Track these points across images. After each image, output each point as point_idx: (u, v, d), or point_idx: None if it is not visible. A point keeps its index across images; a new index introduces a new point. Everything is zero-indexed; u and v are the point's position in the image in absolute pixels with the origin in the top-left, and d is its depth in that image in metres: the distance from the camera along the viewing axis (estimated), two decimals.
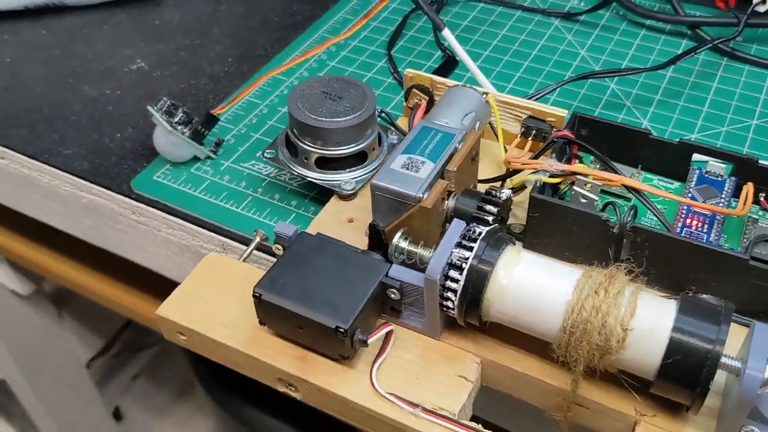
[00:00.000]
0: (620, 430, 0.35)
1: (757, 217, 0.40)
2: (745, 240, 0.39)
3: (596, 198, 0.39)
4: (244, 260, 0.42)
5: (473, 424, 0.34)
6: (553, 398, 0.36)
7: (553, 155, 0.41)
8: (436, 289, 0.34)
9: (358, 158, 0.45)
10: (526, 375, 0.36)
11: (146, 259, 0.54)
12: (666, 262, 0.37)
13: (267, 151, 0.46)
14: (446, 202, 0.38)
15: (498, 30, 0.63)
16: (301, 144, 0.44)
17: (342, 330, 0.34)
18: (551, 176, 0.40)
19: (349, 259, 0.37)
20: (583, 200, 0.39)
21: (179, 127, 0.48)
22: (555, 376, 0.35)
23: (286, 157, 0.46)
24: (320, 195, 0.48)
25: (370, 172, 0.45)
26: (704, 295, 0.37)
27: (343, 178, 0.45)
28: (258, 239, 0.43)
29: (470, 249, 0.34)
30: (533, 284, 0.34)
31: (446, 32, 0.50)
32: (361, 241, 0.41)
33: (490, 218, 0.37)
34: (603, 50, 0.61)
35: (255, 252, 0.44)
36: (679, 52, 0.59)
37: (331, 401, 0.36)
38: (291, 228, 0.38)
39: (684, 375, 0.31)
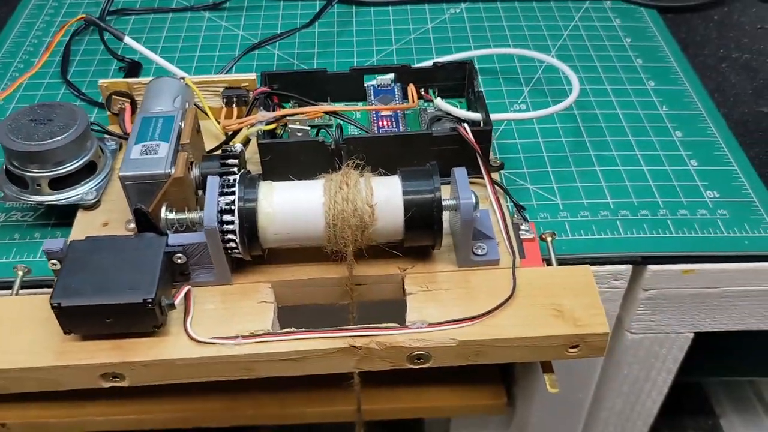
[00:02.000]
0: (394, 290, 0.44)
1: (425, 107, 0.51)
2: (423, 125, 0.50)
3: (308, 128, 0.47)
4: (16, 295, 0.43)
5: (288, 330, 0.40)
6: (337, 290, 0.43)
7: (261, 108, 0.48)
8: (217, 236, 0.39)
9: (89, 169, 0.48)
10: (310, 280, 0.43)
11: None
12: (377, 156, 0.46)
13: None
14: (192, 171, 0.43)
15: (159, 34, 0.68)
16: (29, 173, 0.46)
17: (149, 300, 0.38)
18: (267, 124, 0.47)
19: (127, 247, 0.40)
20: (299, 134, 0.47)
21: None
22: (333, 270, 0.43)
23: (15, 192, 0.47)
24: (61, 218, 0.49)
25: (104, 178, 0.48)
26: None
27: (83, 191, 0.47)
28: (21, 274, 0.44)
29: (233, 194, 0.40)
30: (292, 203, 0.40)
31: (128, 39, 0.54)
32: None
33: (235, 169, 0.43)
34: (256, 26, 0.69)
35: (23, 290, 0.44)
36: (316, 11, 0.70)
37: (160, 370, 0.40)
38: (60, 241, 0.40)
39: (423, 222, 0.40)
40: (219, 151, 0.49)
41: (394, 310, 0.45)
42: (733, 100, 0.61)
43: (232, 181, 0.40)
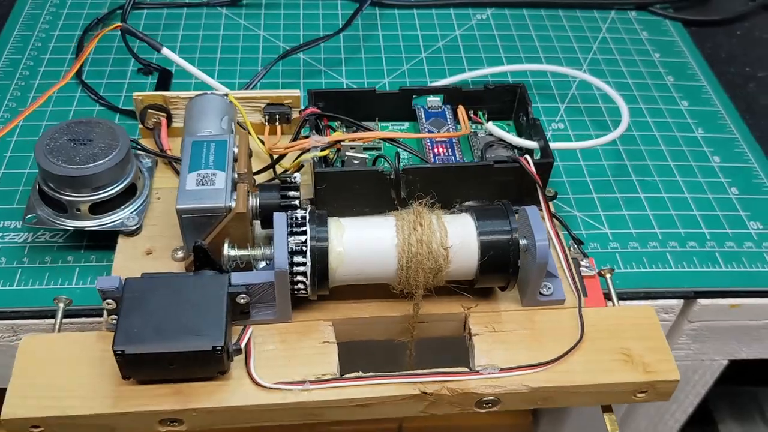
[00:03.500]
0: (455, 328, 0.43)
1: (475, 130, 0.50)
2: (476, 150, 0.48)
3: (366, 156, 0.45)
4: (59, 331, 0.41)
5: (355, 374, 0.39)
6: (398, 327, 0.42)
7: (312, 131, 0.46)
8: (286, 279, 0.38)
9: (129, 192, 0.45)
10: (372, 318, 0.42)
11: None
12: (433, 185, 0.44)
13: (27, 217, 0.44)
14: (249, 202, 0.41)
15: (175, 32, 0.64)
16: (67, 197, 0.43)
17: (219, 348, 0.36)
18: (321, 150, 0.44)
19: (186, 286, 0.38)
20: (356, 161, 0.45)
21: None
22: (395, 308, 0.41)
23: (50, 215, 0.44)
24: (93, 241, 0.46)
25: (144, 201, 0.45)
26: (468, 202, 0.45)
27: (124, 216, 0.44)
28: (62, 306, 0.42)
29: (304, 233, 0.38)
30: (363, 242, 0.39)
31: (166, 51, 0.51)
32: (171, 268, 0.43)
33: (297, 202, 0.41)
34: (277, 26, 0.66)
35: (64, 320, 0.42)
36: (339, 12, 0.67)
37: (224, 416, 0.38)
38: (114, 279, 0.38)
39: (499, 264, 0.39)
40: (263, 175, 0.47)
41: (450, 346, 0.44)
42: (765, 123, 0.61)
43: (300, 219, 0.38)
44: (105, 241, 0.45)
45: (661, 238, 0.50)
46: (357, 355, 0.45)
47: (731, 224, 0.51)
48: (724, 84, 0.64)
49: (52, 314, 0.42)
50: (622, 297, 0.45)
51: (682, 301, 0.48)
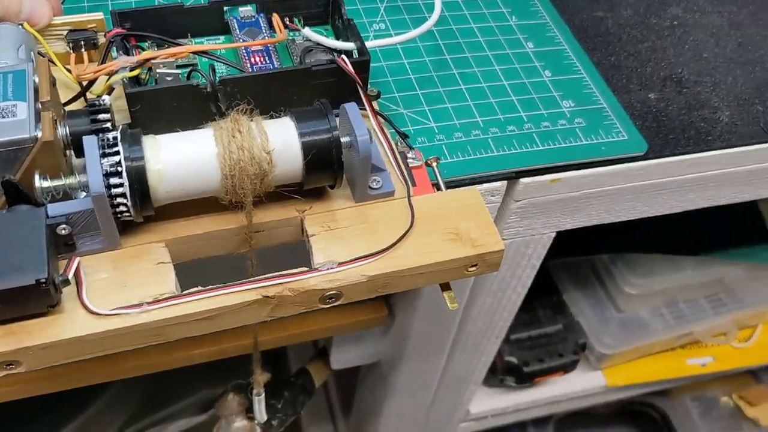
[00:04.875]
0: (293, 233, 0.43)
1: (292, 38, 0.49)
2: (294, 57, 0.48)
3: (178, 71, 0.44)
4: None
5: (195, 289, 0.39)
6: (235, 239, 0.42)
7: (120, 53, 0.44)
8: (105, 202, 0.36)
9: None
10: (206, 233, 0.41)
11: None
12: (254, 96, 0.44)
13: None
14: (57, 131, 0.39)
15: None
16: None
17: (43, 280, 0.35)
18: (131, 71, 0.43)
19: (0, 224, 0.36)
20: (169, 78, 0.44)
21: None
22: (229, 220, 0.41)
23: None
24: None
25: None
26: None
27: None
28: None
29: (117, 153, 0.37)
30: (182, 157, 0.38)
31: None
32: None
33: (108, 124, 0.39)
34: None
35: None
36: None
37: (62, 351, 0.37)
38: None
39: (323, 163, 0.40)
40: (75, 104, 0.45)
41: (291, 252, 0.45)
42: (572, 6, 0.64)
43: (112, 139, 0.37)
44: None
45: (482, 125, 0.52)
46: (201, 275, 0.45)
47: (546, 105, 0.54)
48: None
49: None
50: (449, 185, 0.47)
51: (505, 182, 0.51)
